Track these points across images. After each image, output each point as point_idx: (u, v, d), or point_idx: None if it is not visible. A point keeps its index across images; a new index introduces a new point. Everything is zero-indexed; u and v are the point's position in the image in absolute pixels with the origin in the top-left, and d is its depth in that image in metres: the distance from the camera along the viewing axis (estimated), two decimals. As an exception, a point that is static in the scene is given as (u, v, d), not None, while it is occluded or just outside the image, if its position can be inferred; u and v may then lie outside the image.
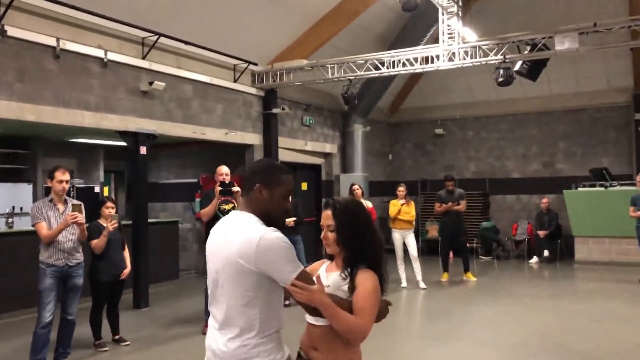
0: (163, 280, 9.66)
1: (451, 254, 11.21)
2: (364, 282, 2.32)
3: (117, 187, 12.83)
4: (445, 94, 14.71)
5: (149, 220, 8.82)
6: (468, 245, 13.05)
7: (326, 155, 13.09)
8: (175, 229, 10.42)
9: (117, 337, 6.23)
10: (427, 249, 13.80)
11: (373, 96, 12.86)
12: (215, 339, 2.29)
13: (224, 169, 6.78)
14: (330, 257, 2.51)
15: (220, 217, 6.69)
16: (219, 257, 2.29)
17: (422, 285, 9.38)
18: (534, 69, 8.70)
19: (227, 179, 6.70)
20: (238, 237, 2.21)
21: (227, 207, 6.67)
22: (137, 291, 8.19)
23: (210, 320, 2.39)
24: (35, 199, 9.80)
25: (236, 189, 6.60)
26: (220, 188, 6.57)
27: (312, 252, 12.67)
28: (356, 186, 9.22)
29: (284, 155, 11.26)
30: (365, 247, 2.37)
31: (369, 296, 2.30)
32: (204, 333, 6.36)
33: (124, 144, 8.38)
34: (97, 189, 10.91)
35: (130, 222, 8.42)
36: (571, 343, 6.05)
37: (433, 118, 15.07)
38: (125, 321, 6.59)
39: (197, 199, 11.09)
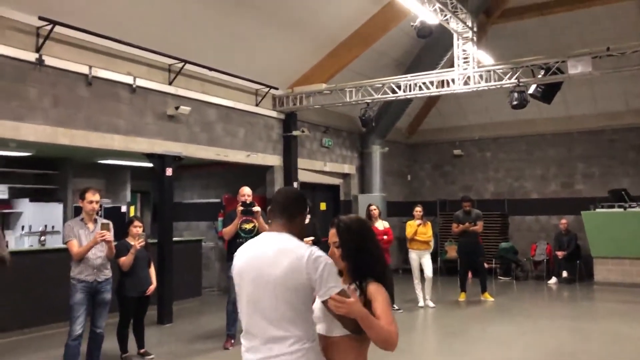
0: (186, 297, 9.93)
1: (470, 274, 11.33)
2: (378, 293, 2.51)
3: (143, 206, 13.21)
4: (462, 115, 14.91)
5: (176, 239, 9.14)
6: (487, 265, 13.14)
7: (344, 176, 13.34)
8: (199, 248, 10.72)
9: (142, 350, 6.50)
10: (446, 269, 13.90)
11: (391, 118, 13.13)
12: (262, 353, 2.44)
13: (246, 190, 7.08)
14: (340, 273, 2.74)
15: (242, 236, 7.01)
16: (260, 275, 2.47)
17: (431, 304, 9.54)
18: (548, 92, 8.88)
19: (249, 200, 6.99)
20: (286, 254, 2.46)
21: (248, 226, 6.95)
22: (161, 308, 8.47)
23: (248, 341, 2.51)
24: (65, 218, 10.19)
25: (257, 208, 6.88)
26: (242, 208, 6.86)
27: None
28: (373, 207, 9.43)
29: (303, 176, 11.55)
30: (369, 261, 2.58)
31: (388, 306, 2.50)
32: (226, 348, 6.71)
33: (150, 165, 8.74)
34: (124, 209, 11.30)
35: (155, 240, 8.74)
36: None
37: (451, 139, 15.26)
38: (149, 336, 6.86)
39: (220, 218, 11.41)
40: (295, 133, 11.06)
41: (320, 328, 2.55)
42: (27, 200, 9.85)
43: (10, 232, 9.56)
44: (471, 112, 14.69)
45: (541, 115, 13.45)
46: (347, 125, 13.02)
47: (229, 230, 6.86)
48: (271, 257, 2.49)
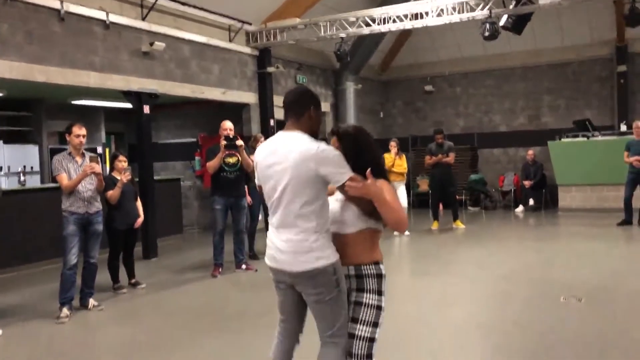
0: (168, 235, 10.13)
1: (441, 206, 11.76)
2: (384, 184, 2.74)
3: (117, 148, 13.15)
4: (434, 51, 15.03)
5: (155, 177, 9.23)
6: (457, 197, 13.65)
7: (319, 113, 13.44)
8: (177, 187, 10.85)
9: (133, 280, 6.73)
10: (418, 202, 14.35)
11: (364, 54, 13.18)
12: (279, 238, 2.70)
13: (227, 124, 7.18)
14: None
15: (226, 170, 7.14)
16: (277, 169, 2.68)
17: (406, 232, 9.95)
18: (518, 23, 9.07)
19: (231, 134, 7.10)
20: (297, 148, 2.64)
21: (231, 160, 7.10)
22: (146, 243, 8.66)
23: (271, 226, 2.78)
24: (42, 160, 10.16)
25: (240, 142, 7.02)
26: (226, 142, 6.98)
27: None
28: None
29: (279, 114, 11.63)
30: (370, 162, 2.77)
31: (395, 194, 2.74)
32: (214, 276, 6.97)
33: (123, 105, 8.70)
34: (99, 150, 11.28)
35: (137, 179, 8.81)
36: (553, 274, 6.63)
37: (423, 75, 15.42)
38: (138, 270, 7.01)
39: (197, 158, 11.50)
40: (269, 69, 11.07)
41: (333, 228, 2.76)
42: (0, 142, 9.75)
43: (-13, 175, 9.51)
44: (442, 48, 14.82)
45: (511, 49, 13.68)
46: (320, 62, 13.04)
47: (212, 164, 7.00)
48: (284, 152, 2.69)
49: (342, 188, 2.66)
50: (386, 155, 10.05)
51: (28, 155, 9.88)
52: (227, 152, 7.02)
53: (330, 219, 2.76)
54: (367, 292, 2.75)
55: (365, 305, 2.73)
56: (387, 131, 15.91)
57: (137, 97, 8.53)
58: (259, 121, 11.07)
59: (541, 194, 12.98)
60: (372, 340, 2.72)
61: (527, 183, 12.95)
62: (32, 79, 7.04)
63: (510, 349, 4.25)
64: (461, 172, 13.83)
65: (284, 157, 2.68)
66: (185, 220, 11.40)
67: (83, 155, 5.74)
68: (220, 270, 7.17)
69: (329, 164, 2.62)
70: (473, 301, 5.69)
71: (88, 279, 5.82)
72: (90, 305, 5.76)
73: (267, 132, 10.96)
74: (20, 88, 8.72)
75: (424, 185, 14.19)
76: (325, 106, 13.47)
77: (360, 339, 2.71)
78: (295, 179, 2.64)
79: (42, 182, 9.98)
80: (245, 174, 7.23)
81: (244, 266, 7.33)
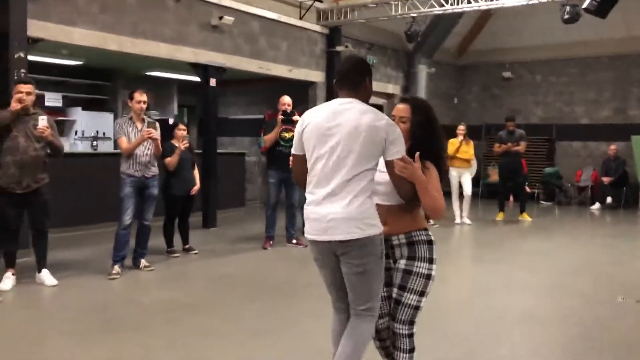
0: (230, 207, 10.36)
1: (511, 198, 11.33)
2: (433, 169, 2.70)
3: (189, 121, 13.56)
4: (514, 36, 14.34)
5: (219, 151, 9.44)
6: (529, 190, 13.07)
7: (388, 96, 13.23)
8: (242, 161, 11.05)
9: (187, 246, 6.93)
10: (487, 193, 13.85)
11: (438, 36, 12.79)
12: (332, 206, 2.58)
13: (286, 99, 7.23)
14: None
15: (281, 144, 7.16)
16: (342, 133, 2.59)
17: (467, 221, 9.65)
18: (603, 6, 8.44)
19: (289, 109, 7.14)
20: (367, 115, 2.59)
21: (287, 135, 7.11)
22: (206, 213, 8.89)
23: (318, 197, 2.65)
24: (114, 129, 10.64)
25: (297, 118, 7.02)
26: (283, 117, 7.02)
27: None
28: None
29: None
30: (432, 143, 2.73)
31: (439, 182, 2.69)
32: (264, 248, 7.04)
33: (196, 78, 8.91)
34: (171, 121, 11.65)
35: (197, 151, 9.05)
36: (618, 273, 6.23)
37: (501, 61, 14.78)
38: (195, 237, 7.28)
39: (262, 134, 11.64)
40: (338, 48, 10.97)
41: (377, 199, 2.72)
42: (79, 109, 10.30)
43: (65, 138, 10.06)
44: (523, 33, 14.11)
45: (597, 36, 12.82)
46: (392, 43, 12.79)
47: (269, 138, 7.06)
48: (349, 118, 2.61)
49: (389, 164, 2.62)
50: (452, 141, 9.75)
51: (103, 122, 10.39)
52: (283, 127, 7.07)
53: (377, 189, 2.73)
54: (418, 260, 2.73)
55: (415, 274, 2.72)
56: (461, 118, 15.37)
57: (204, 70, 8.72)
58: (324, 100, 11.03)
59: (621, 192, 12.18)
60: (417, 308, 2.72)
61: (606, 179, 12.18)
62: (105, 47, 7.34)
63: (548, 341, 4.02)
64: (536, 164, 13.22)
65: (349, 122, 2.59)
66: (249, 195, 11.61)
67: (143, 120, 5.93)
68: (271, 243, 7.25)
69: (395, 138, 2.60)
70: (525, 291, 5.43)
71: (141, 240, 6.05)
72: (141, 266, 5.98)
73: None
74: (99, 58, 9.13)
75: (494, 175, 13.63)
76: (395, 89, 13.23)
77: (405, 306, 2.71)
78: (363, 146, 2.58)
79: (115, 148, 10.45)
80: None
81: (294, 241, 7.37)
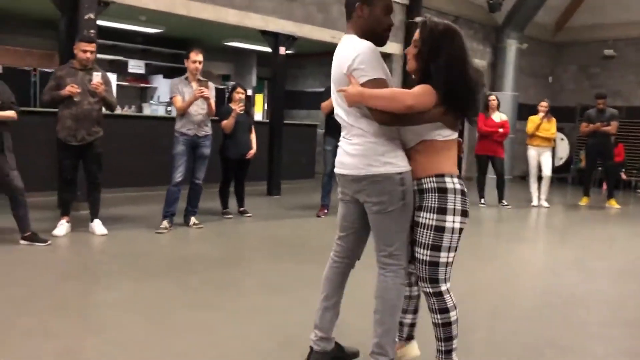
0: (300, 178, 10.39)
1: (604, 185, 10.48)
2: (423, 86, 2.46)
3: (269, 93, 13.75)
4: (619, 11, 13.12)
5: (290, 122, 9.46)
6: (626, 177, 12.04)
7: (473, 72, 12.61)
8: (314, 133, 11.01)
9: (241, 209, 7.01)
10: (579, 179, 12.88)
11: (530, 9, 11.99)
12: (350, 143, 2.56)
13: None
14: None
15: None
16: (335, 76, 2.59)
17: (545, 204, 9.02)
18: None
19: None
20: (341, 53, 2.53)
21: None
22: (270, 181, 8.97)
23: (342, 137, 2.65)
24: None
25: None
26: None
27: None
28: (492, 97, 8.96)
29: (425, 68, 11.14)
30: (441, 68, 2.45)
31: (424, 89, 2.43)
32: (318, 216, 6.97)
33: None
34: (249, 92, 11.84)
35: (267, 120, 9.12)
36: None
37: (603, 37, 13.61)
38: (255, 203, 7.44)
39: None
40: (417, 19, 10.53)
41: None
42: (161, 76, 10.71)
43: (147, 105, 10.55)
44: (630, 7, 12.87)
45: None
46: (479, 16, 12.14)
47: (326, 104, 6.88)
48: (337, 52, 2.59)
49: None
50: (532, 118, 9.12)
51: (181, 90, 10.73)
52: (342, 94, 6.90)
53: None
54: (423, 211, 2.50)
55: (421, 226, 2.50)
56: (555, 98, 14.39)
57: (274, 38, 8.72)
58: (400, 73, 10.70)
59: None
60: (433, 264, 2.48)
61: None
62: (174, 11, 7.53)
63: (558, 323, 3.63)
64: (636, 151, 12.10)
65: (334, 63, 2.59)
66: (320, 168, 11.56)
67: (199, 81, 6.02)
68: (325, 211, 7.16)
69: (360, 59, 2.44)
70: (590, 275, 4.95)
71: (192, 199, 6.19)
72: (191, 223, 6.13)
73: (410, 84, 10.58)
74: (178, 26, 9.43)
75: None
76: (482, 64, 12.59)
77: (420, 262, 2.51)
78: (337, 83, 2.55)
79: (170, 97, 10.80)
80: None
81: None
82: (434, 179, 2.50)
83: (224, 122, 6.59)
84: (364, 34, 2.53)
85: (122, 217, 6.42)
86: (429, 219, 2.49)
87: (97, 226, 5.55)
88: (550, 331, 3.47)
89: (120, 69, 10.73)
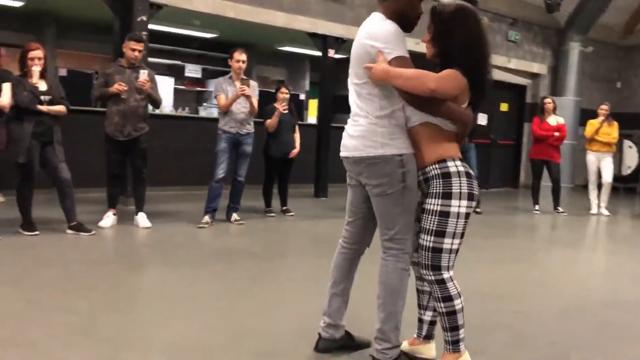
0: (339, 182, 10.32)
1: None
2: (450, 71, 2.41)
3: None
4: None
5: (338, 125, 9.42)
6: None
7: (533, 76, 12.23)
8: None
9: (284, 208, 7.06)
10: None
11: (594, 10, 11.48)
12: (352, 124, 2.57)
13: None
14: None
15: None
16: (353, 54, 2.57)
17: (605, 212, 8.56)
18: None
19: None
20: (367, 29, 2.53)
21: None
22: (317, 183, 8.98)
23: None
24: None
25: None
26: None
27: (509, 176, 12.23)
28: (548, 100, 8.64)
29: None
30: (455, 50, 2.42)
31: (448, 73, 2.39)
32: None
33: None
34: (302, 97, 11.96)
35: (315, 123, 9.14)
36: None
37: (677, 39, 12.86)
38: (301, 204, 7.53)
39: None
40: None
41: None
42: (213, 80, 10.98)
43: (202, 108, 10.86)
44: None
45: None
46: (539, 17, 11.75)
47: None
48: (361, 30, 2.58)
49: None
50: (592, 122, 8.70)
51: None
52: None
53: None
54: (429, 197, 2.46)
55: (426, 212, 2.45)
56: (624, 104, 13.69)
57: (322, 41, 8.76)
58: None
59: None
60: (436, 250, 2.41)
61: None
62: (224, 14, 7.71)
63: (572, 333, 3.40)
64: None
65: (358, 38, 2.56)
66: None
67: (242, 80, 6.13)
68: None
69: (381, 35, 2.42)
70: (616, 280, 4.66)
71: (234, 195, 6.28)
72: (232, 219, 6.22)
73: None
74: (232, 31, 9.65)
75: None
76: (542, 68, 12.17)
77: (423, 249, 2.46)
78: (355, 66, 2.52)
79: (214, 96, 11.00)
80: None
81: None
82: (436, 165, 2.46)
83: (268, 121, 6.67)
84: (394, 15, 2.50)
85: (167, 213, 6.60)
86: (434, 204, 2.44)
87: (141, 219, 5.73)
88: (582, 333, 3.28)
89: (177, 73, 11.11)
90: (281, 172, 6.98)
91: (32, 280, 3.77)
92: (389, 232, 2.52)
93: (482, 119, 11.36)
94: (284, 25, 8.27)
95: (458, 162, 2.46)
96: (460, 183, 2.42)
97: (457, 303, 2.45)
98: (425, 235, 2.44)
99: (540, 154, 8.46)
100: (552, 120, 8.45)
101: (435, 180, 2.45)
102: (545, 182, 8.63)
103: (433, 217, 2.42)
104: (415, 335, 2.76)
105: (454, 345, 2.49)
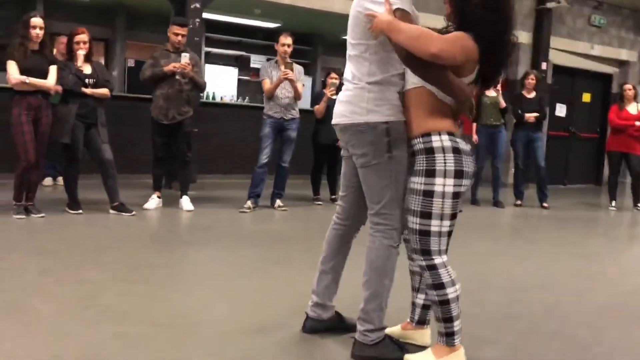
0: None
1: None
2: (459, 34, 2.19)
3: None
4: None
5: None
6: None
7: (621, 64, 11.27)
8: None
9: (333, 197, 6.89)
10: None
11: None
12: (342, 90, 2.45)
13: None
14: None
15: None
16: (352, 12, 2.40)
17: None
18: None
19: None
20: None
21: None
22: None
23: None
24: (313, 92, 11.14)
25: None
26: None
27: (591, 172, 11.39)
28: (629, 86, 7.89)
29: (559, 59, 10.19)
30: (472, 6, 2.17)
31: (456, 36, 2.17)
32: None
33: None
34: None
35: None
36: None
37: None
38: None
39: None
40: (549, 5, 9.69)
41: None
42: (281, 71, 11.01)
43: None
44: None
45: None
46: (629, 0, 10.80)
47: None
48: None
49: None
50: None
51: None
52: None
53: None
54: (413, 175, 2.25)
55: (411, 192, 2.25)
56: None
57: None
58: (528, 64, 9.86)
59: None
60: (424, 233, 2.20)
61: None
62: (279, 0, 7.65)
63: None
64: None
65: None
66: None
67: (287, 64, 6.04)
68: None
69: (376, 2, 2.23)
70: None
71: (278, 181, 6.22)
72: (276, 205, 6.16)
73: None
74: (297, 20, 9.62)
75: None
76: (631, 55, 11.20)
77: (412, 232, 2.26)
78: (351, 27, 2.37)
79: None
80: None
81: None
82: (420, 139, 2.23)
83: (316, 107, 6.55)
84: None
85: (214, 198, 6.66)
86: (418, 183, 2.21)
87: (185, 202, 5.80)
88: (607, 329, 2.90)
89: (243, 64, 11.25)
90: (330, 160, 6.84)
91: (64, 254, 3.88)
92: (375, 206, 2.34)
93: (561, 110, 10.66)
94: (340, 11, 8.09)
95: (445, 137, 2.20)
96: (445, 159, 2.18)
97: (451, 291, 2.22)
98: (412, 217, 2.23)
99: (618, 146, 7.75)
100: (633, 108, 7.72)
101: (419, 156, 2.23)
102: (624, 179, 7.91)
103: (417, 196, 2.21)
104: (408, 320, 2.54)
105: (447, 337, 2.25)
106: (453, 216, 2.23)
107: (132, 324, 2.63)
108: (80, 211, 5.20)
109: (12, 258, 3.67)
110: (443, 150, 2.19)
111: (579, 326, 2.96)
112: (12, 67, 4.69)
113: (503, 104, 7.25)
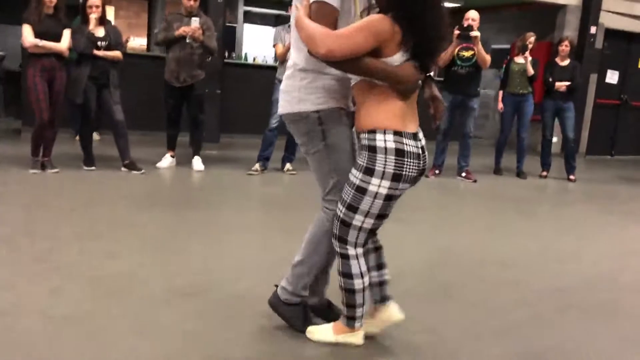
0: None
1: None
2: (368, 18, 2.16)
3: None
4: None
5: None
6: None
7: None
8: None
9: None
10: None
11: None
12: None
13: (470, 14, 6.49)
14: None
15: (457, 64, 6.48)
16: None
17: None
18: None
19: (473, 24, 6.35)
20: None
21: (466, 53, 6.45)
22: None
23: None
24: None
25: (475, 33, 6.27)
26: (459, 31, 6.31)
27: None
28: None
29: (612, 22, 9.57)
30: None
31: (357, 27, 2.10)
32: (427, 176, 6.59)
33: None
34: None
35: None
36: None
37: None
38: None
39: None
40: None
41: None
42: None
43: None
44: None
45: None
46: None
47: (444, 56, 6.41)
48: None
49: None
50: None
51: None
52: (462, 45, 6.37)
53: None
54: (354, 167, 2.26)
55: (347, 182, 2.27)
56: None
57: None
58: (576, 27, 9.34)
59: None
60: (345, 223, 2.25)
61: None
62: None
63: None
64: None
65: None
66: (484, 132, 10.86)
67: (300, 28, 6.05)
68: (436, 172, 6.75)
69: None
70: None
71: (289, 146, 6.30)
72: (285, 169, 6.29)
73: (585, 41, 9.24)
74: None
75: None
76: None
77: (335, 217, 2.31)
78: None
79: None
80: (481, 72, 6.53)
81: (463, 174, 6.71)
82: (366, 135, 2.20)
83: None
84: None
85: (230, 158, 6.86)
86: (355, 176, 2.22)
87: (196, 162, 6.03)
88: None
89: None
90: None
91: (52, 208, 4.19)
92: (323, 191, 2.41)
93: (612, 77, 10.09)
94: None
95: (390, 137, 2.15)
96: (385, 161, 2.15)
97: (357, 283, 2.29)
98: (340, 205, 2.27)
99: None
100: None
101: (362, 152, 2.23)
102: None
103: (351, 189, 2.23)
104: (373, 306, 2.47)
105: (348, 320, 2.36)
106: (380, 216, 2.26)
107: (70, 280, 2.85)
108: (94, 167, 5.53)
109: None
110: (385, 151, 2.15)
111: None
112: (27, 30, 4.97)
113: (531, 71, 6.96)
